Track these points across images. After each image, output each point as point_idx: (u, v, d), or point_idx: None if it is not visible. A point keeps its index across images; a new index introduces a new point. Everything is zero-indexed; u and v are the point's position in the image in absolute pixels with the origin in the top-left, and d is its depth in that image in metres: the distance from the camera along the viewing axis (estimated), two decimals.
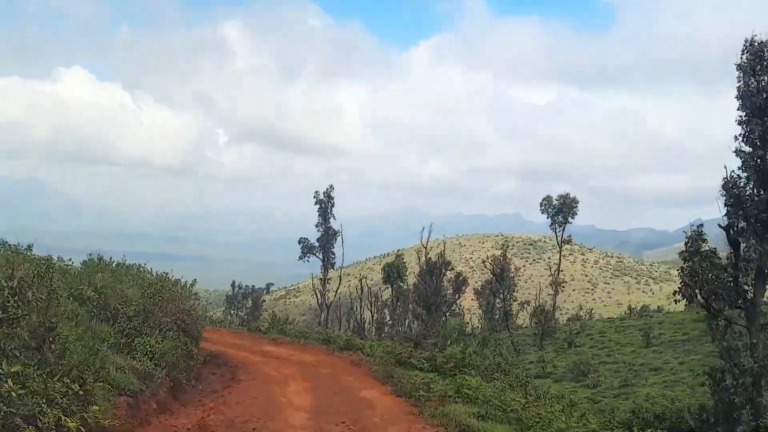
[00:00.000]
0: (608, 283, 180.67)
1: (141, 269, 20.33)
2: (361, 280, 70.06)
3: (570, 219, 69.24)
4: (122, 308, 15.06)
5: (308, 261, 67.41)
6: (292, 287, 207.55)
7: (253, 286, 76.79)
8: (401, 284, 68.19)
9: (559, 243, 71.83)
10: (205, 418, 13.03)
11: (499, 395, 13.82)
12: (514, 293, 67.89)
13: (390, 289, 69.01)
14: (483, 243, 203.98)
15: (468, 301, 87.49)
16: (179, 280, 20.57)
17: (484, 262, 75.54)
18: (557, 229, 70.66)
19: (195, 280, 21.51)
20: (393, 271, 67.85)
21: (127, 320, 14.90)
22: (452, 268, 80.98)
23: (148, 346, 14.40)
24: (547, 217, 70.69)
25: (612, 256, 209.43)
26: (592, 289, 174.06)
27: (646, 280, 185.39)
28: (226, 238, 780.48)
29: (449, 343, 19.21)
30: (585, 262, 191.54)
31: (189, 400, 16.31)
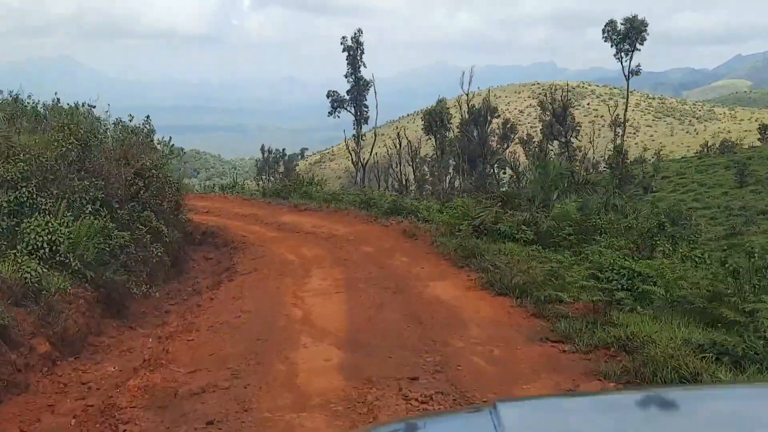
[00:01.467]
0: (650, 126, 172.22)
1: (59, 108, 13.62)
2: (398, 133, 63.88)
3: (639, 45, 59.85)
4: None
5: (338, 117, 61.37)
6: (327, 151, 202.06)
7: (284, 149, 70.41)
8: (445, 134, 61.97)
9: (627, 75, 62.94)
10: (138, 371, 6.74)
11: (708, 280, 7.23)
12: (578, 135, 61.05)
13: (433, 140, 63.20)
14: (519, 93, 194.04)
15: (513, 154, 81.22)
16: (137, 127, 13.85)
17: (542, 102, 67.92)
18: (623, 59, 61.43)
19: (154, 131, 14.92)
20: (435, 119, 62.23)
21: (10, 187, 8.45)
22: (498, 115, 73.77)
23: (40, 233, 7.95)
24: (611, 45, 61.27)
25: (653, 98, 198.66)
26: (634, 133, 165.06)
27: (690, 121, 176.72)
28: (258, 106, 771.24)
29: (555, 196, 12.20)
30: (611, 108, 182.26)
31: (148, 314, 10.07)
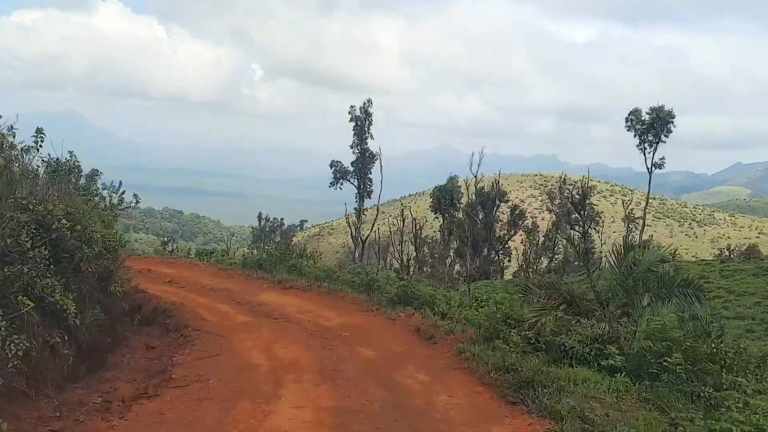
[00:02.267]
0: (650, 225, 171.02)
1: None
2: (402, 210, 61.08)
3: (664, 137, 57.15)
4: None
5: (341, 188, 58.85)
6: (326, 224, 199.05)
7: (282, 219, 67.02)
8: (454, 213, 59.05)
9: (649, 168, 60.27)
10: None
11: None
12: (598, 226, 57.92)
13: (441, 219, 61.58)
14: (521, 183, 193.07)
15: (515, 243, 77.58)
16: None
17: (560, 188, 64.38)
18: (646, 151, 58.67)
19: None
20: (445, 197, 59.75)
21: None
22: (507, 200, 70.54)
23: None
24: (634, 135, 58.75)
25: (654, 198, 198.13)
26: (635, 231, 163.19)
27: (690, 223, 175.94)
28: (262, 175, 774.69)
29: (645, 302, 8.24)
30: (626, 203, 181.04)
31: None
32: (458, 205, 61.81)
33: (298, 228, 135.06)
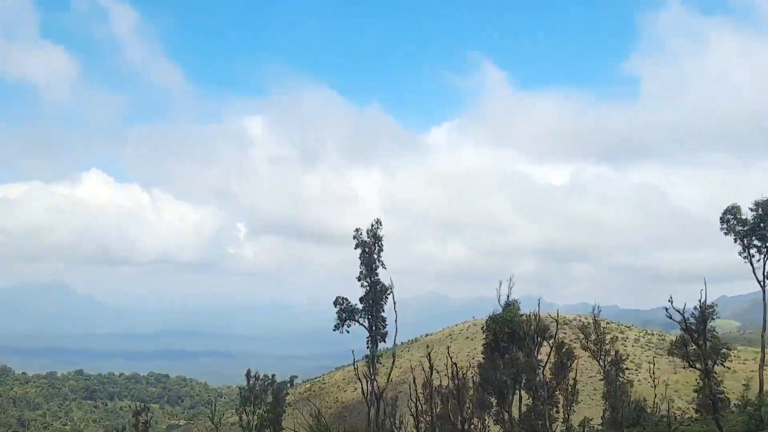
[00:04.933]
0: (651, 363, 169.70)
1: None
2: (429, 354, 54.33)
3: None
4: None
5: (347, 331, 50.85)
6: (317, 379, 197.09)
7: (273, 375, 66.63)
8: (517, 352, 50.68)
9: (762, 279, 51.33)
10: None
11: None
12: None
13: (501, 361, 52.10)
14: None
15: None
16: None
17: (594, 322, 60.02)
18: (750, 255, 50.17)
19: None
20: (502, 330, 49.13)
21: None
22: (551, 337, 59.57)
23: None
24: (735, 240, 50.69)
25: (653, 334, 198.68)
26: (636, 369, 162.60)
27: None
28: (248, 332, 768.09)
29: None
30: (625, 340, 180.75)
31: None
32: (537, 342, 52.36)
33: (289, 385, 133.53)
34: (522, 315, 52.55)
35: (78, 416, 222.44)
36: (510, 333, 49.97)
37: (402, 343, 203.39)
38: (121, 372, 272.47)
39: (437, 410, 63.25)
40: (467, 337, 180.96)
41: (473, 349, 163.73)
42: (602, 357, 58.41)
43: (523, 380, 50.95)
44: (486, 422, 64.50)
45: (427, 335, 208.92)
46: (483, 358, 55.05)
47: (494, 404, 56.99)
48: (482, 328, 56.57)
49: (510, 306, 52.37)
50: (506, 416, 48.05)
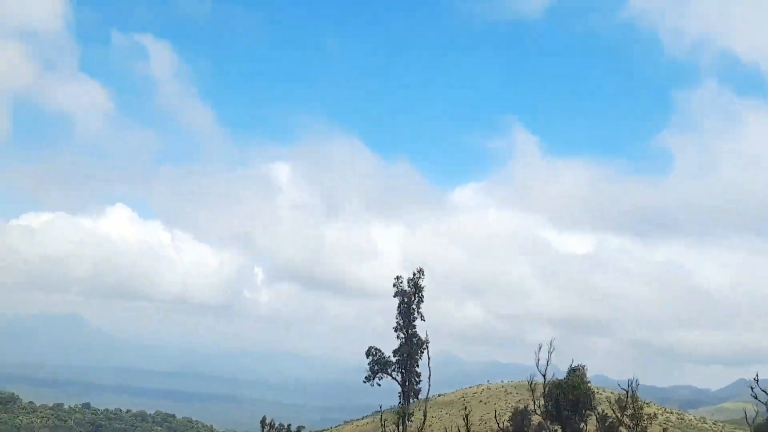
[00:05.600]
0: None
1: None
2: (467, 416, 50.42)
3: None
4: None
5: (378, 384, 49.19)
6: (325, 430, 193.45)
7: (289, 425, 65.15)
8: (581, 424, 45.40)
9: None
10: None
11: None
12: None
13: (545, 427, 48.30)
14: (532, 390, 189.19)
15: None
16: None
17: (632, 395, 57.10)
18: None
19: None
20: (566, 397, 45.07)
21: None
22: (594, 407, 57.81)
23: None
24: None
25: (671, 412, 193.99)
26: None
27: None
28: (257, 378, 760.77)
29: None
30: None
31: None
32: (585, 412, 47.62)
33: None
34: (589, 383, 49.43)
35: None
36: (574, 401, 45.07)
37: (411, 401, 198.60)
38: (128, 409, 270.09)
39: None
40: (481, 401, 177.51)
41: (486, 414, 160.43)
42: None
43: None
44: None
45: (439, 395, 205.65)
46: (539, 425, 51.55)
47: None
48: (545, 391, 52.56)
49: (575, 371, 48.55)
50: None
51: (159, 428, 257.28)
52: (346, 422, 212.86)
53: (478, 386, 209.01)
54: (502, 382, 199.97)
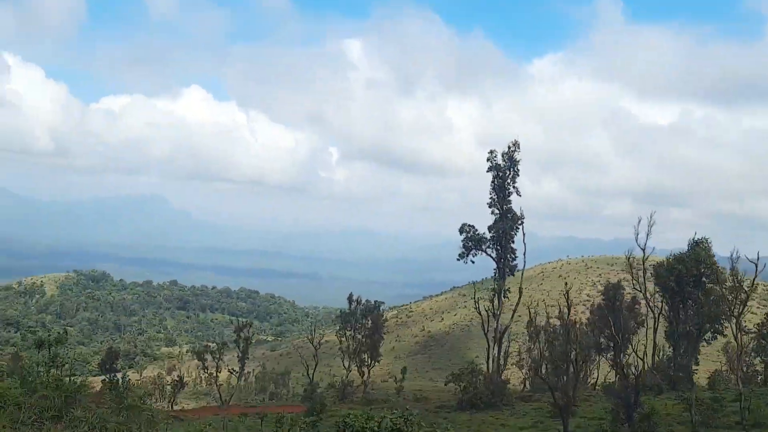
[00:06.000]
0: None
1: None
2: (568, 292, 46.91)
3: None
4: None
5: (472, 261, 47.59)
6: (404, 306, 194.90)
7: (375, 301, 63.25)
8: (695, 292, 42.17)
9: None
10: None
11: None
12: None
13: (675, 309, 44.79)
14: (612, 265, 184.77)
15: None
16: None
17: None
18: None
19: None
20: (689, 272, 41.52)
21: None
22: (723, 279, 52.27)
23: None
24: None
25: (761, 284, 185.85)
26: None
27: None
28: (334, 256, 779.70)
29: None
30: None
31: None
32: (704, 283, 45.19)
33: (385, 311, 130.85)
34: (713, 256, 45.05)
35: (171, 325, 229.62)
36: (697, 276, 42.90)
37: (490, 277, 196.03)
38: (213, 285, 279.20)
39: (544, 349, 60.22)
40: (560, 276, 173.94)
41: (563, 288, 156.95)
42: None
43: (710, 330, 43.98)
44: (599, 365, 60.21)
45: (517, 271, 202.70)
46: (662, 301, 48.16)
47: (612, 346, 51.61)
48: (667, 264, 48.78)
49: (699, 244, 45.76)
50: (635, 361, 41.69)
51: (243, 304, 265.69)
52: (424, 298, 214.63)
53: (557, 261, 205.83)
54: (583, 256, 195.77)
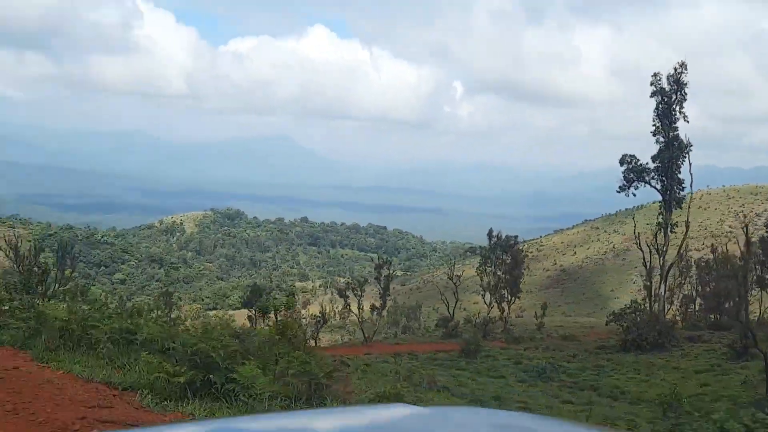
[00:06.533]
0: None
1: None
2: (746, 223, 42.89)
3: None
4: None
5: (634, 195, 43.93)
6: (534, 241, 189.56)
7: (516, 237, 59.73)
8: None
9: None
10: None
11: None
12: None
13: None
14: (755, 194, 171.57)
15: None
16: None
17: None
18: None
19: None
20: None
21: None
22: None
23: None
24: None
25: None
26: None
27: None
28: (459, 191, 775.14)
29: None
30: None
31: None
32: None
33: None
34: None
35: (303, 260, 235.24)
36: None
37: (621, 210, 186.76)
38: (342, 222, 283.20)
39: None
40: (700, 207, 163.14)
41: (706, 219, 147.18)
42: None
43: None
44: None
45: (653, 202, 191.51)
46: None
47: None
48: None
49: None
50: None
51: (371, 239, 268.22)
52: (555, 231, 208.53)
53: (696, 191, 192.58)
54: (723, 186, 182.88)
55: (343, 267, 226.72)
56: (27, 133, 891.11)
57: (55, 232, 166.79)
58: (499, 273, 56.54)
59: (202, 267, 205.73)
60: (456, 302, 53.32)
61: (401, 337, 56.09)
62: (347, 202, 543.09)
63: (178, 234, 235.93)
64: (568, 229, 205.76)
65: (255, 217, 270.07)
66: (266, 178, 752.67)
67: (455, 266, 62.19)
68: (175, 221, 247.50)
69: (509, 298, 57.59)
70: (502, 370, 34.12)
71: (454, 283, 53.87)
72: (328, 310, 51.72)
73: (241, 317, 53.78)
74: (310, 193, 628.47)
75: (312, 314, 50.83)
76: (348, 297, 48.69)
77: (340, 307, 54.83)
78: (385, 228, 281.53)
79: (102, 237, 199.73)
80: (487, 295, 55.36)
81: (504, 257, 57.33)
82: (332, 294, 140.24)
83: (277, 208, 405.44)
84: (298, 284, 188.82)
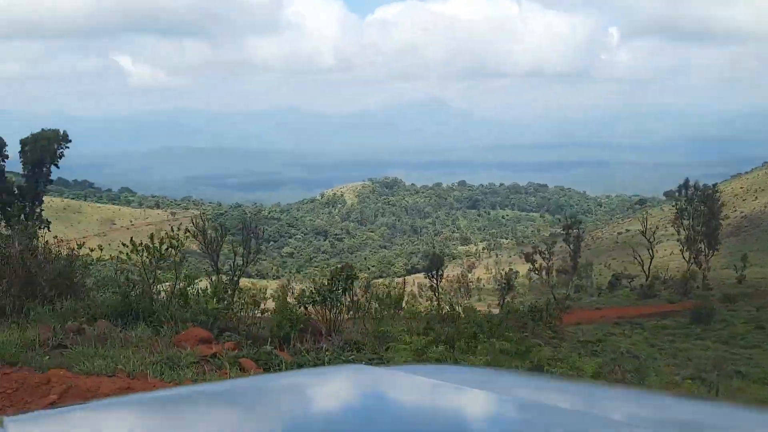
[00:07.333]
0: None
1: None
2: None
3: None
4: None
5: None
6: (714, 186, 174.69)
7: (714, 185, 54.03)
8: None
9: None
10: None
11: None
12: None
13: None
14: None
15: None
16: None
17: None
18: None
19: None
20: None
21: None
22: None
23: None
24: None
25: None
26: None
27: None
28: (621, 140, 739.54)
29: None
30: None
31: None
32: None
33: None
34: None
35: (463, 224, 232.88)
36: None
37: None
38: (501, 182, 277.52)
39: None
40: None
41: None
42: None
43: None
44: None
45: None
46: None
47: None
48: None
49: None
50: None
51: (532, 198, 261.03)
52: (732, 177, 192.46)
53: None
54: None
55: (505, 228, 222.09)
56: (190, 117, 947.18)
57: (226, 211, 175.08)
58: (695, 226, 51.31)
59: (365, 236, 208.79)
60: (651, 259, 48.77)
61: (595, 300, 52.29)
62: (505, 162, 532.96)
63: (339, 206, 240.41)
64: (746, 173, 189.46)
65: (413, 184, 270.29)
66: (420, 143, 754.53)
67: (624, 220, 57.32)
68: (335, 193, 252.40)
69: (707, 252, 52.36)
70: (750, 338, 29.72)
71: (649, 241, 49.22)
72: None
73: (410, 284, 52.44)
74: (465, 155, 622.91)
75: (492, 275, 48.48)
76: (535, 261, 45.73)
77: (533, 272, 51.86)
78: (545, 186, 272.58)
79: (269, 213, 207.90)
80: (686, 250, 50.31)
81: (702, 208, 51.90)
82: (496, 256, 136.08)
83: (433, 173, 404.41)
84: (460, 248, 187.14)
